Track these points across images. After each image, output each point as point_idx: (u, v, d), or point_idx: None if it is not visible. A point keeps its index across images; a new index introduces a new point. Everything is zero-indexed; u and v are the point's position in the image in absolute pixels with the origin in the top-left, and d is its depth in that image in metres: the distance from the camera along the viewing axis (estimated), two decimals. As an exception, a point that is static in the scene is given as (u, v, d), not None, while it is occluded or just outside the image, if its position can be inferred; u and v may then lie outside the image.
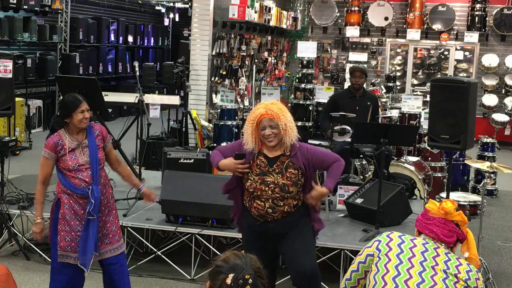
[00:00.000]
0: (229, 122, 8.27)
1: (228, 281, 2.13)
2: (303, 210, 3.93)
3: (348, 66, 14.45)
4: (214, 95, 9.96)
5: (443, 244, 2.78)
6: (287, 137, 3.80)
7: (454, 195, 6.32)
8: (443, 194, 6.29)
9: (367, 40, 14.84)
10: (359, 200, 6.06)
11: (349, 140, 6.88)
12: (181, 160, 6.38)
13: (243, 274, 2.14)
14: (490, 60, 14.02)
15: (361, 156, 7.22)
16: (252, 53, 11.51)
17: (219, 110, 8.50)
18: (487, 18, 13.96)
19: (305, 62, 9.09)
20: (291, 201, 3.84)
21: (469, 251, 2.93)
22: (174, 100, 9.32)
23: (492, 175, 8.92)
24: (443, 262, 2.70)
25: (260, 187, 3.79)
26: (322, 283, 5.25)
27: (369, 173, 7.68)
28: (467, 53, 14.43)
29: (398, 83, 12.11)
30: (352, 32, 14.62)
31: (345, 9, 14.71)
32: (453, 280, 2.64)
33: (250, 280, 2.14)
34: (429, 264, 2.68)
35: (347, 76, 12.72)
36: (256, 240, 3.92)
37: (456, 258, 2.74)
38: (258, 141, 3.84)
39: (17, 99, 9.50)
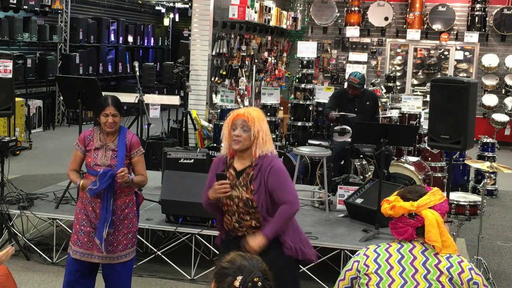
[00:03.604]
0: (229, 122, 8.26)
1: (237, 283, 2.08)
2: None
3: (348, 66, 14.49)
4: (214, 95, 9.96)
5: (419, 241, 2.67)
6: (256, 148, 3.51)
7: (454, 195, 6.31)
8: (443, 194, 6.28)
9: (367, 40, 14.84)
10: (359, 200, 6.06)
11: (349, 140, 6.88)
12: (181, 160, 6.38)
13: (251, 277, 2.09)
14: (490, 60, 14.03)
15: (361, 156, 7.22)
16: (252, 53, 11.51)
17: (219, 110, 8.51)
18: (487, 18, 13.97)
19: (305, 62, 9.09)
20: (259, 216, 3.55)
21: (426, 236, 2.66)
22: (174, 100, 9.32)
23: (492, 175, 8.91)
24: (421, 265, 2.61)
25: (226, 201, 3.57)
26: (322, 283, 5.27)
27: (369, 173, 7.68)
28: (467, 53, 14.43)
29: (398, 83, 12.11)
30: (352, 32, 14.62)
31: (345, 9, 14.72)
32: None
33: (259, 283, 2.08)
34: (408, 274, 2.59)
35: (347, 76, 12.72)
36: None
37: (434, 255, 2.63)
38: (230, 145, 3.57)
39: (17, 99, 9.51)
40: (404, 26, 14.46)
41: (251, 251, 3.34)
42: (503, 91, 14.03)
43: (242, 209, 3.54)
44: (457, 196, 6.37)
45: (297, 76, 9.18)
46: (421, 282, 2.57)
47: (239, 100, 10.18)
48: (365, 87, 7.74)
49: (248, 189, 3.53)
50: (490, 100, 13.97)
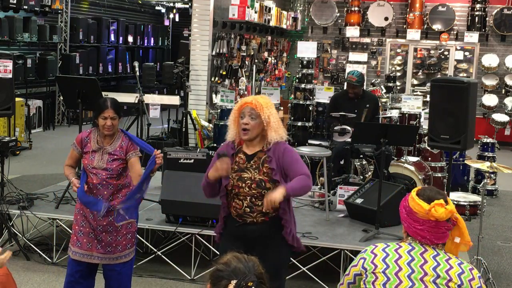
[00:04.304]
0: (229, 122, 8.26)
1: (231, 287, 2.07)
2: (284, 216, 3.66)
3: (348, 66, 14.48)
4: (214, 95, 9.96)
5: (430, 245, 2.64)
6: (271, 132, 3.60)
7: (454, 195, 6.32)
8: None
9: (367, 40, 14.84)
10: (359, 200, 6.05)
11: (349, 140, 6.88)
12: (181, 160, 6.38)
13: (246, 281, 2.06)
14: (490, 60, 14.03)
15: (361, 156, 7.22)
16: (252, 53, 11.51)
17: (219, 110, 8.51)
18: (487, 18, 13.97)
19: (305, 62, 9.08)
20: None
21: (461, 237, 2.75)
22: (174, 100, 9.32)
23: (492, 175, 8.92)
24: (431, 269, 2.57)
25: (237, 183, 3.62)
26: (322, 283, 5.27)
27: (369, 173, 7.68)
28: (467, 53, 14.43)
29: (398, 83, 12.11)
30: (352, 32, 14.62)
31: (345, 9, 14.72)
32: None
33: (253, 287, 2.06)
34: (417, 276, 2.55)
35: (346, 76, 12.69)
36: (234, 246, 3.22)
37: (446, 260, 2.60)
38: (238, 132, 3.66)
39: (17, 99, 9.51)
40: (404, 26, 14.46)
41: (268, 204, 3.41)
42: (503, 91, 14.04)
43: (255, 190, 3.59)
44: (457, 196, 6.39)
45: (297, 76, 9.18)
46: (429, 286, 2.53)
47: (239, 100, 10.19)
48: (365, 87, 7.74)
49: (261, 171, 3.61)
50: (490, 100, 13.98)
